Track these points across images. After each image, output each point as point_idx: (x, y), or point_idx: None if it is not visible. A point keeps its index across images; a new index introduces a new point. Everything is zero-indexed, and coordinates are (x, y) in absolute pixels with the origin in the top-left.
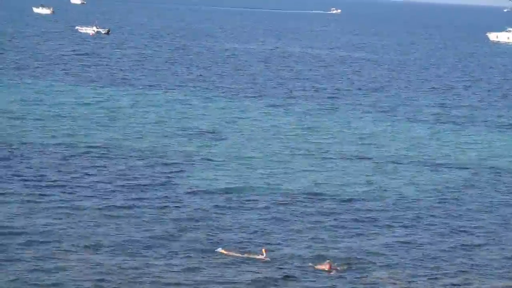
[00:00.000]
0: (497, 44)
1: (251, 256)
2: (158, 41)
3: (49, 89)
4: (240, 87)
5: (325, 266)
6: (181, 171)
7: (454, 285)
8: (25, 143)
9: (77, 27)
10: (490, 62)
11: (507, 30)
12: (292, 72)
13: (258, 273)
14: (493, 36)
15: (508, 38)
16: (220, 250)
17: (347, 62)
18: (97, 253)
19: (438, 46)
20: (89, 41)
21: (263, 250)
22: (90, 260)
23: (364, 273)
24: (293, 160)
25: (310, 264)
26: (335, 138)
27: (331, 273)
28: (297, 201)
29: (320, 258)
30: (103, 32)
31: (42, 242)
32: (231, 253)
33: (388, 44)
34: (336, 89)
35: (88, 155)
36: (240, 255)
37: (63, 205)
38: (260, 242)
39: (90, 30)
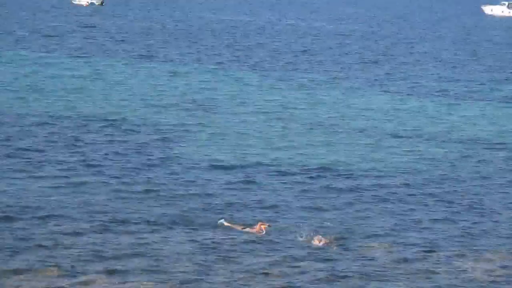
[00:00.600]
0: (492, 17)
1: (251, 230)
2: (153, 13)
3: (42, 61)
4: (239, 59)
5: (319, 241)
6: (179, 145)
7: (450, 257)
8: (17, 117)
9: None
10: (486, 35)
11: (501, 3)
12: (294, 45)
13: (258, 250)
14: (487, 9)
15: (502, 11)
16: (223, 222)
17: (345, 35)
18: (105, 233)
19: (436, 18)
20: (82, 11)
21: (263, 226)
22: (100, 238)
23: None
24: (295, 134)
25: (304, 238)
26: (336, 112)
27: (321, 243)
28: (299, 175)
29: (318, 233)
30: (96, 3)
31: (42, 220)
32: (233, 226)
33: (385, 17)
34: (335, 62)
35: (85, 128)
36: (240, 228)
37: (62, 181)
38: (260, 218)
39: (84, 1)
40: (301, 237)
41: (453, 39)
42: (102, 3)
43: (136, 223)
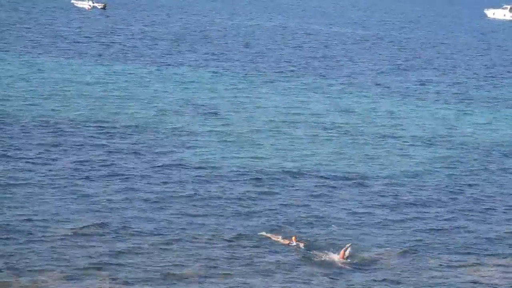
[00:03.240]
0: (494, 20)
1: (285, 242)
2: (155, 18)
3: (43, 64)
4: (246, 64)
5: (343, 255)
6: (190, 147)
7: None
8: (16, 120)
9: (72, 1)
10: (490, 39)
11: (503, 7)
12: (300, 50)
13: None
14: (490, 13)
15: (504, 15)
16: (263, 233)
17: (353, 39)
18: (121, 241)
19: (443, 23)
20: (84, 15)
21: (293, 238)
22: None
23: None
24: (321, 140)
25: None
26: (343, 117)
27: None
28: (331, 182)
29: (346, 247)
30: (99, 7)
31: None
32: (271, 237)
33: (393, 21)
34: (352, 67)
35: (89, 130)
36: (277, 239)
37: (72, 185)
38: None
39: (86, 5)
40: (332, 251)
41: (462, 43)
42: (104, 7)
43: (171, 233)
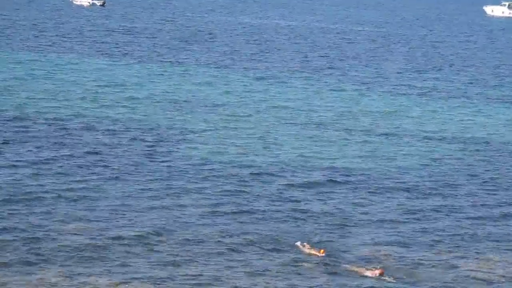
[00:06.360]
0: (493, 17)
1: (315, 253)
2: (154, 15)
3: (42, 61)
4: (259, 62)
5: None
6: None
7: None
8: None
9: None
10: (490, 35)
11: (501, 4)
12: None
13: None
14: (489, 9)
15: (502, 12)
16: (298, 244)
17: (352, 36)
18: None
19: (443, 18)
20: (84, 12)
21: (322, 251)
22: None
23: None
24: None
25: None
26: (336, 112)
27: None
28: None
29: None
30: (98, 4)
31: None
32: (302, 248)
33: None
34: (368, 66)
35: (86, 127)
36: (308, 250)
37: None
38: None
39: (85, 2)
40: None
41: (460, 39)
42: (103, 3)
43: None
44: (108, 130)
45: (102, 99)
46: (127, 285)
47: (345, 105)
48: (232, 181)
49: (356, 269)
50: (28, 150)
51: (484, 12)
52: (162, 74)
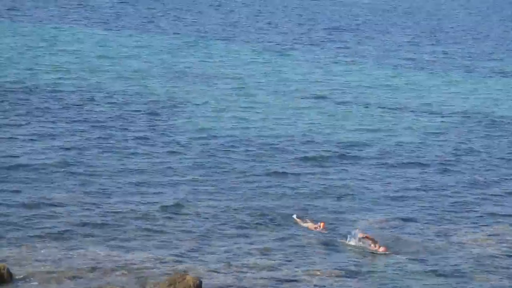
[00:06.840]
0: None
1: (313, 227)
2: None
3: (40, 31)
4: (269, 37)
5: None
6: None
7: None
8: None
9: None
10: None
11: None
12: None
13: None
14: None
15: None
16: (294, 217)
17: (354, 8)
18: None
19: None
20: None
21: (322, 224)
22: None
23: None
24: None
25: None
26: (335, 86)
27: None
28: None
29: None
30: None
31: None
32: (300, 222)
33: None
34: (342, 41)
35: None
36: (305, 224)
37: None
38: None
39: None
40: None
41: (457, 14)
42: None
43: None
44: (110, 103)
45: (103, 70)
46: (134, 262)
47: (344, 78)
48: (232, 156)
49: (358, 244)
50: (28, 123)
51: None
52: (163, 46)
